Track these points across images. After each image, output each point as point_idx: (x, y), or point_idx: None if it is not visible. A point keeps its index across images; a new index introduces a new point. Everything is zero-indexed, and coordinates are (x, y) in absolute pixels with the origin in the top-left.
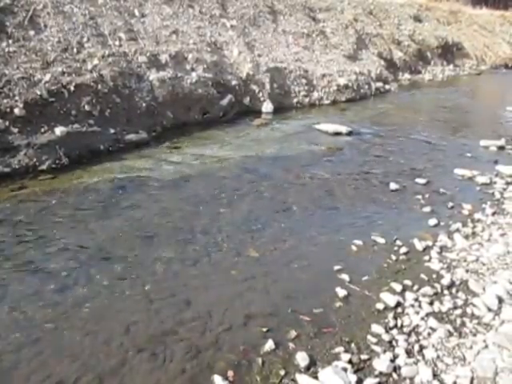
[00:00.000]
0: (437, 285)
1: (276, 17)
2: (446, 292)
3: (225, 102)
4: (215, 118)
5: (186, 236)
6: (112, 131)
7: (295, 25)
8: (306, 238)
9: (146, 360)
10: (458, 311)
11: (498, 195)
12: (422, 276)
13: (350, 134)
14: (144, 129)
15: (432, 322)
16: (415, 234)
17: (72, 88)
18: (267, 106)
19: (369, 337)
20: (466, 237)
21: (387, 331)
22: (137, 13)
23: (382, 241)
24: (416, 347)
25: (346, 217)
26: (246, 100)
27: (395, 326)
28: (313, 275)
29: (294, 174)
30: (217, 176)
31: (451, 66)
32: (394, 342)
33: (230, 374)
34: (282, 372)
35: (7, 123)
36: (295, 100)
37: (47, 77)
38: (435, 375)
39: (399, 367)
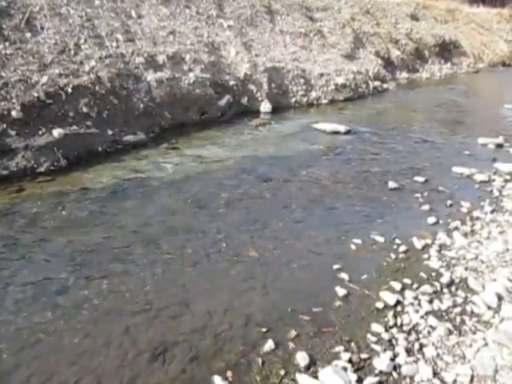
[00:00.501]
0: (436, 283)
1: (273, 17)
2: (445, 290)
3: (223, 102)
4: (213, 118)
5: (185, 236)
6: (110, 132)
7: (292, 24)
8: (305, 237)
9: (146, 361)
10: (458, 309)
11: (496, 193)
12: (422, 274)
13: (348, 133)
14: (142, 130)
15: (432, 320)
16: (414, 233)
17: (69, 90)
18: (265, 106)
19: (369, 336)
20: (465, 235)
21: (387, 330)
22: (134, 14)
23: (381, 239)
24: (416, 346)
25: (345, 216)
26: (244, 100)
27: (395, 324)
28: (312, 275)
29: (292, 173)
30: (215, 176)
31: (449, 65)
32: (393, 341)
33: (229, 374)
34: (282, 372)
35: (5, 126)
36: (293, 99)
37: (44, 79)
38: (435, 373)
39: (399, 366)
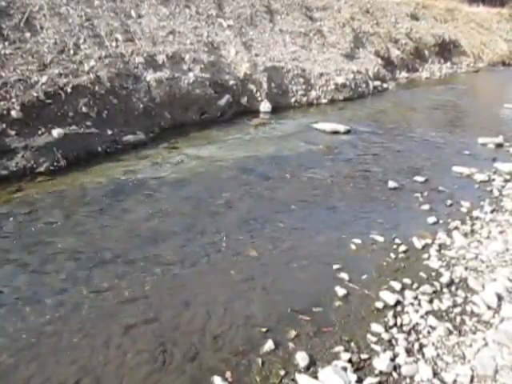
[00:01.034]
0: (436, 283)
1: (273, 16)
2: (445, 290)
3: (222, 102)
4: (213, 118)
5: (185, 236)
6: (109, 132)
7: (292, 24)
8: (305, 237)
9: (146, 362)
10: (458, 309)
11: (496, 193)
12: (422, 274)
13: (348, 132)
14: (142, 130)
15: (432, 320)
16: (414, 233)
17: (69, 90)
18: (265, 106)
19: (368, 336)
20: (465, 234)
21: (387, 330)
22: (133, 14)
23: (381, 239)
24: (416, 346)
25: (345, 215)
26: (244, 100)
27: (395, 324)
28: (312, 274)
29: (292, 173)
30: (215, 176)
31: (448, 64)
32: (393, 341)
33: (229, 374)
34: (282, 372)
35: (4, 126)
36: (293, 99)
37: (44, 79)
38: (435, 374)
39: (399, 366)
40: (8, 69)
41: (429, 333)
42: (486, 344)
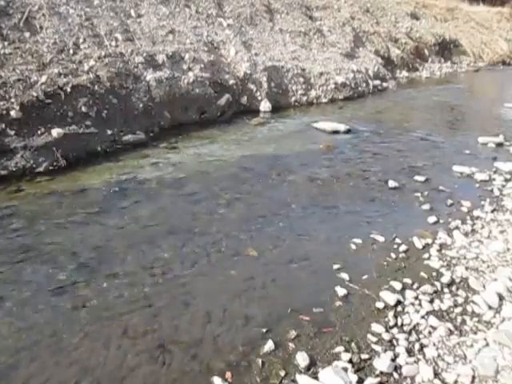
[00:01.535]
0: (437, 283)
1: (273, 15)
2: (446, 290)
3: (222, 101)
4: (213, 117)
5: (185, 236)
6: (109, 132)
7: (292, 23)
8: (305, 236)
9: (145, 362)
10: (459, 309)
11: (497, 192)
12: (422, 274)
13: (348, 132)
14: (141, 129)
15: (432, 320)
16: (414, 232)
17: (68, 89)
18: (265, 105)
19: (369, 336)
20: (466, 234)
21: (387, 330)
22: (133, 13)
23: (381, 239)
24: (417, 346)
25: (345, 215)
26: (244, 99)
27: (395, 324)
28: (312, 274)
29: (292, 172)
30: (215, 176)
31: (449, 63)
32: (394, 341)
33: (229, 375)
34: (282, 373)
35: (4, 125)
36: (293, 99)
37: (43, 78)
38: (436, 374)
39: (400, 366)
40: (7, 69)
41: (429, 333)
42: (487, 344)
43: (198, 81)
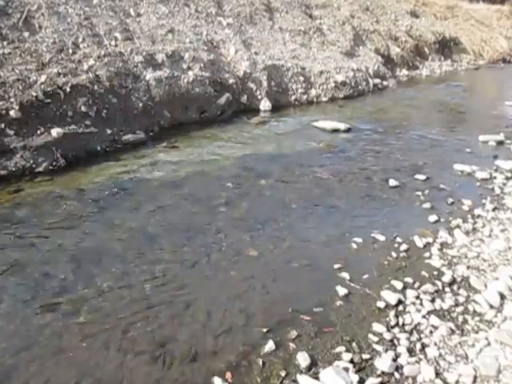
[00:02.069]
0: (438, 282)
1: (272, 14)
2: (447, 289)
3: (222, 100)
4: (213, 116)
5: (185, 236)
6: (109, 132)
7: (292, 22)
8: (306, 236)
9: (145, 363)
10: (460, 308)
11: (497, 190)
12: (423, 273)
13: (348, 131)
14: (141, 129)
15: (434, 319)
16: (415, 231)
17: (68, 89)
18: (265, 104)
19: (370, 336)
20: (467, 233)
21: (389, 330)
22: (132, 12)
23: (382, 238)
24: (418, 346)
25: (346, 214)
26: (244, 98)
27: (396, 324)
28: (313, 274)
29: (292, 172)
30: (215, 175)
31: (449, 62)
32: (395, 341)
33: (229, 375)
34: (283, 373)
35: (3, 125)
36: (293, 97)
37: (43, 78)
38: (438, 374)
39: (401, 366)
40: (7, 68)
41: (431, 332)
42: (489, 344)
43: (198, 80)
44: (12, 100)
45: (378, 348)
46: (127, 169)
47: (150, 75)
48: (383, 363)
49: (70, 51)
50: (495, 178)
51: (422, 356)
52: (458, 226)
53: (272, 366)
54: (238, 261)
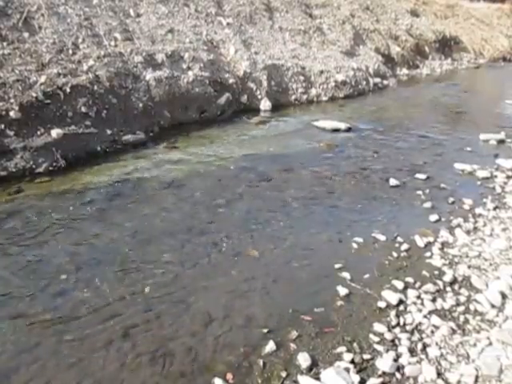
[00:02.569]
0: (439, 281)
1: (272, 14)
2: (448, 289)
3: (222, 100)
4: (213, 116)
5: (185, 236)
6: (109, 132)
7: (292, 22)
8: (306, 236)
9: (146, 364)
10: (461, 308)
11: (498, 189)
12: (424, 273)
13: (348, 130)
14: (141, 129)
15: (435, 319)
16: (416, 231)
17: (68, 89)
18: (265, 104)
19: (371, 336)
20: (468, 232)
21: (390, 330)
22: (132, 12)
23: (382, 238)
24: (419, 346)
25: (346, 214)
26: (244, 98)
27: (398, 324)
28: (313, 274)
29: (292, 171)
30: (215, 175)
31: (449, 60)
32: (396, 341)
33: (229, 376)
34: (284, 373)
35: (3, 126)
36: (293, 97)
37: (42, 79)
38: (439, 374)
39: (402, 366)
40: (6, 69)
41: (432, 332)
42: (491, 343)
43: (198, 80)
44: (12, 101)
45: (379, 348)
46: (127, 169)
47: (149, 75)
48: (384, 363)
49: (70, 52)
50: (496, 176)
51: (423, 356)
52: (458, 226)
53: (273, 366)
54: (239, 261)
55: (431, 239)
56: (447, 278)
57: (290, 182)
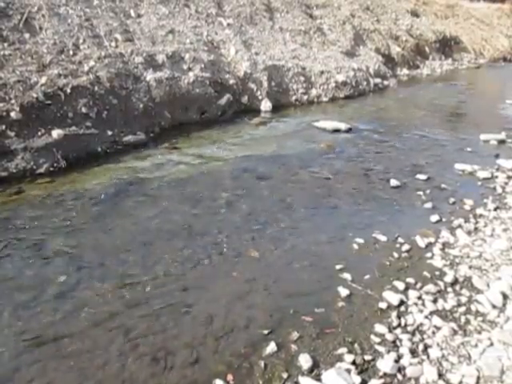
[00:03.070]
0: (440, 282)
1: (273, 14)
2: (449, 289)
3: (223, 101)
4: (213, 117)
5: (186, 237)
6: (109, 133)
7: (292, 22)
8: (307, 237)
9: (147, 365)
10: (462, 309)
11: (499, 190)
12: (425, 273)
13: (349, 131)
14: (142, 130)
15: (436, 320)
16: (417, 231)
17: (68, 90)
18: (265, 105)
19: (372, 337)
20: (469, 232)
21: (391, 331)
22: (132, 13)
23: (383, 238)
24: (420, 346)
25: (347, 215)
26: (244, 99)
27: (399, 325)
28: (314, 275)
29: (293, 172)
30: (216, 176)
31: (449, 60)
32: (397, 342)
33: (230, 377)
34: (285, 375)
35: (4, 127)
36: (294, 98)
37: (43, 79)
38: (440, 375)
39: (404, 367)
40: (7, 70)
41: (433, 333)
42: (492, 344)
43: (199, 80)
44: (13, 101)
45: (380, 349)
46: (128, 170)
47: (150, 76)
48: (385, 364)
49: (71, 52)
50: (497, 177)
51: (424, 357)
52: (459, 226)
53: (274, 367)
54: (240, 262)
55: (432, 240)
56: (448, 278)
57: (290, 183)
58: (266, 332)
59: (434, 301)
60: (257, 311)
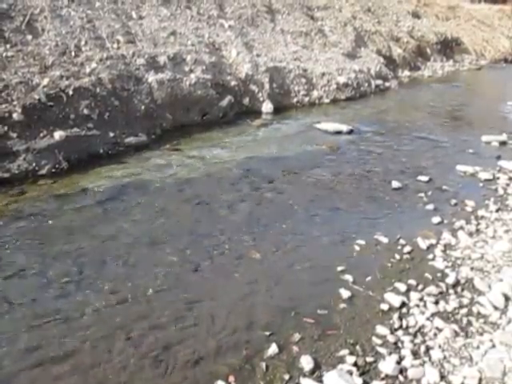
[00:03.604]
0: (442, 284)
1: (274, 16)
2: (451, 291)
3: (224, 102)
4: (215, 119)
5: (187, 239)
6: (111, 134)
7: (293, 24)
8: (309, 238)
9: (148, 367)
10: (464, 310)
11: (501, 191)
12: (427, 275)
13: (350, 132)
14: (143, 131)
15: (438, 321)
16: (418, 233)
17: (70, 92)
18: (267, 106)
19: (374, 338)
20: (470, 234)
21: (392, 332)
22: (134, 15)
23: (385, 240)
24: (422, 348)
25: (349, 216)
26: (246, 100)
27: (400, 326)
28: (316, 276)
29: (295, 174)
30: (217, 178)
31: (451, 62)
32: (399, 344)
33: (232, 379)
34: (286, 376)
35: (6, 128)
36: (295, 99)
37: (45, 81)
38: (442, 376)
39: (405, 369)
40: (10, 71)
41: (435, 335)
42: (494, 345)
43: (200, 82)
44: (15, 103)
45: (382, 351)
46: (130, 171)
47: (152, 78)
48: (387, 366)
49: (73, 54)
50: (498, 178)
51: (426, 358)
52: (461, 228)
53: (275, 369)
54: (241, 263)
55: (434, 241)
56: (450, 280)
57: (292, 184)
58: (267, 333)
59: (436, 302)
60: (258, 312)
